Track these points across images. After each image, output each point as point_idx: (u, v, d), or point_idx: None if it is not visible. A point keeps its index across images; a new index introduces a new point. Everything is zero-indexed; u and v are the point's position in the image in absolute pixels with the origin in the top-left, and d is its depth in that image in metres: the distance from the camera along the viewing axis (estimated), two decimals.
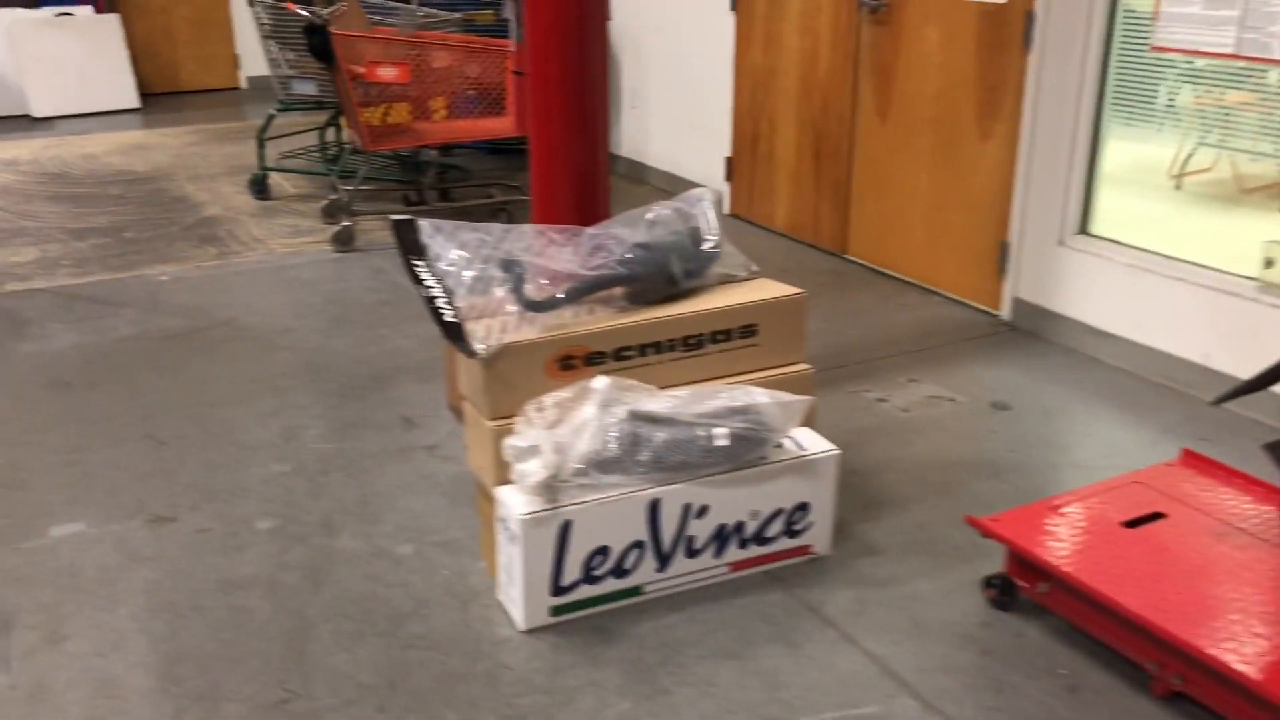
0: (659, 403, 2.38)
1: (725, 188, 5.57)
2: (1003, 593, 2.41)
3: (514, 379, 2.35)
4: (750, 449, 2.41)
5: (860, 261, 4.77)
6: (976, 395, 3.49)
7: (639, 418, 2.34)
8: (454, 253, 2.40)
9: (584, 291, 2.44)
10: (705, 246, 2.64)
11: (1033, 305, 3.98)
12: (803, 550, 2.59)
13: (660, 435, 2.34)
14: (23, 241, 5.12)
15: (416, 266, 2.33)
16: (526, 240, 2.51)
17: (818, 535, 2.59)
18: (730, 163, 5.52)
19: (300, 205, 5.77)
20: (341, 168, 5.35)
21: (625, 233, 2.61)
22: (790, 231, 5.15)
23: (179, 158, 6.86)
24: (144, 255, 4.92)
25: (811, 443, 2.54)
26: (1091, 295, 3.76)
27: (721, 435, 2.37)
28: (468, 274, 2.38)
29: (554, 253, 2.50)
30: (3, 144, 7.27)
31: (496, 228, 2.49)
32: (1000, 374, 3.65)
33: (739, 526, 2.48)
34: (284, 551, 2.64)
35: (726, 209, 5.59)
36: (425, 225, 2.39)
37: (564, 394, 2.35)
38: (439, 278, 2.34)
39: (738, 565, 2.52)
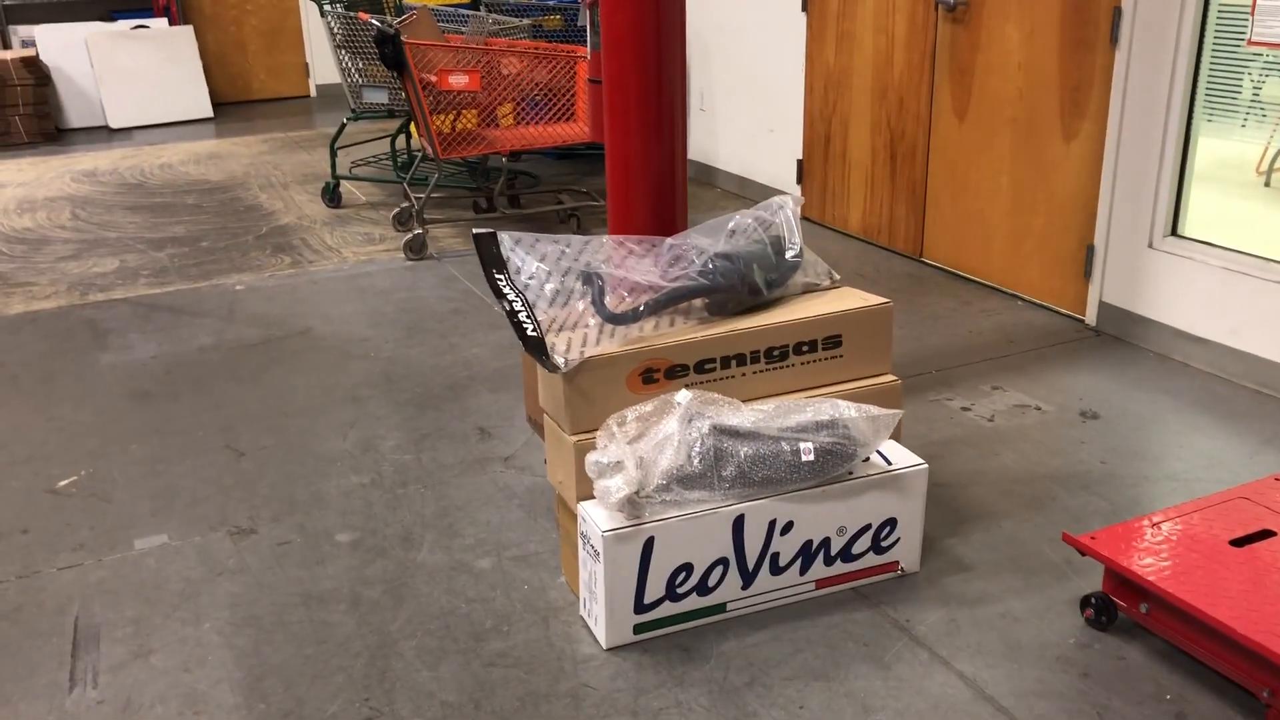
0: (743, 417, 2.33)
1: (796, 190, 5.50)
2: (1101, 613, 2.33)
3: (595, 393, 2.31)
4: (837, 464, 2.35)
5: (937, 265, 4.68)
6: (1064, 404, 3.38)
7: (723, 432, 2.29)
8: (534, 265, 2.37)
9: (664, 303, 2.40)
10: (788, 255, 2.59)
11: (1120, 310, 3.86)
12: (890, 567, 2.52)
13: (744, 450, 2.29)
14: (104, 252, 5.21)
15: (498, 280, 2.31)
16: (606, 252, 2.48)
17: (906, 551, 2.52)
18: (801, 165, 5.44)
19: (372, 213, 5.80)
20: (412, 175, 5.37)
21: (705, 242, 2.56)
22: (864, 234, 5.07)
23: (252, 166, 6.95)
24: (220, 264, 4.98)
25: (899, 456, 2.48)
26: (1183, 299, 3.63)
27: (808, 450, 2.32)
28: (549, 287, 2.35)
29: (633, 264, 2.46)
30: (83, 155, 7.42)
31: (576, 240, 2.46)
32: (1088, 381, 3.54)
33: (825, 543, 2.42)
34: (365, 565, 2.63)
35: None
36: (506, 238, 2.36)
37: (646, 408, 2.31)
38: (520, 291, 2.31)
39: (824, 582, 2.47)
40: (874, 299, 2.57)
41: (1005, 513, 2.79)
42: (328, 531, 2.79)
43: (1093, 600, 2.34)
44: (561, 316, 2.38)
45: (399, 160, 6.09)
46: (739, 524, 2.32)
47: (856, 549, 2.46)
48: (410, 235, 4.99)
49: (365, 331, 4.14)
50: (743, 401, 2.45)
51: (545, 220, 5.54)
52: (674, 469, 2.25)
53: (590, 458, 2.23)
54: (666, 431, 2.28)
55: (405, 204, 5.38)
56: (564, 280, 2.37)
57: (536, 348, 2.24)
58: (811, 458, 2.32)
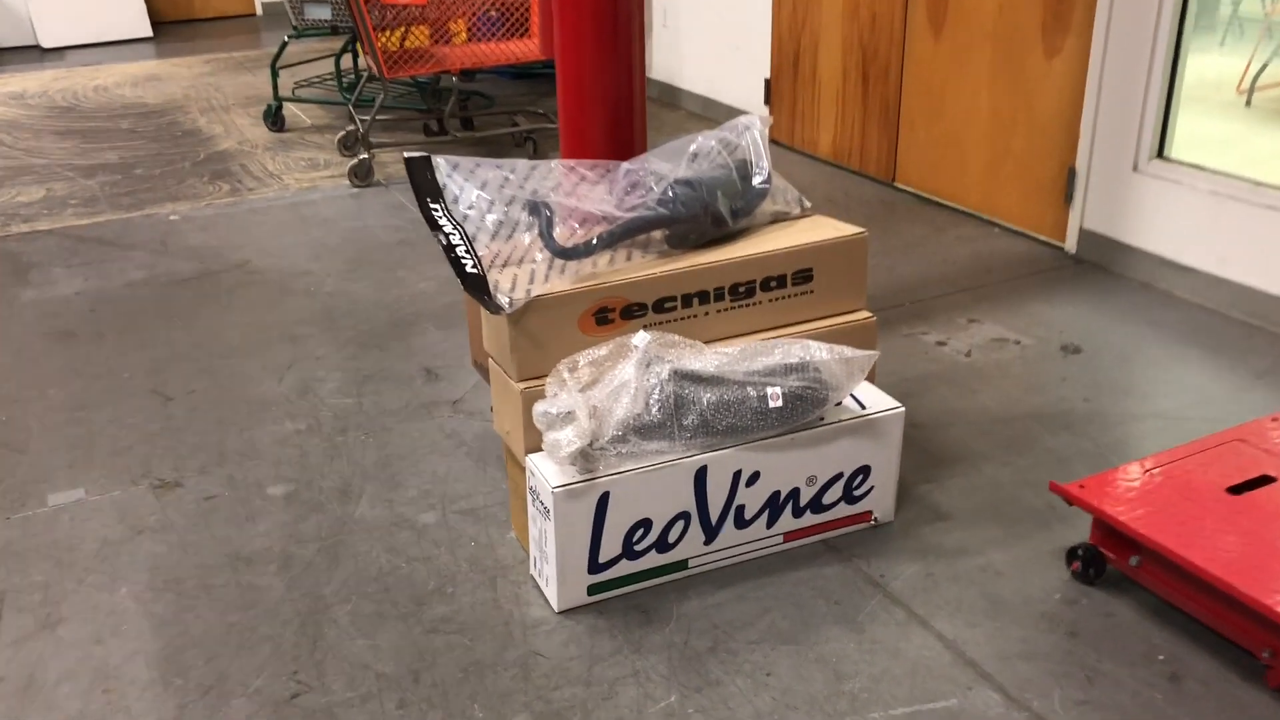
0: (705, 360, 2.13)
1: (764, 111, 5.25)
2: (1088, 566, 2.17)
3: (543, 336, 2.11)
4: (807, 410, 2.16)
5: (911, 190, 4.47)
6: (1044, 337, 3.21)
7: (684, 377, 2.09)
8: (474, 193, 2.14)
9: (620, 236, 2.19)
10: (755, 181, 2.37)
11: (1102, 237, 3.68)
12: (863, 517, 2.35)
13: (707, 396, 2.10)
14: (29, 180, 4.90)
15: (433, 210, 2.08)
16: (555, 178, 2.25)
17: (879, 500, 2.35)
18: (769, 85, 5.19)
19: (317, 137, 5.50)
20: (358, 97, 5.08)
21: (665, 168, 2.34)
22: (834, 158, 4.84)
23: (192, 89, 6.60)
24: (154, 193, 4.69)
25: (872, 399, 2.30)
26: (1169, 226, 3.45)
27: (776, 395, 2.13)
28: (490, 218, 2.13)
29: (586, 191, 2.24)
30: (10, 76, 7.03)
31: (521, 164, 2.23)
32: (1069, 313, 3.37)
33: (794, 494, 2.25)
34: (299, 521, 2.44)
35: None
36: (442, 163, 2.13)
37: (599, 352, 2.11)
38: (458, 222, 2.09)
39: (792, 535, 2.30)
40: (848, 228, 2.36)
41: (984, 455, 2.63)
42: (259, 484, 2.58)
43: (1079, 552, 2.18)
44: (505, 251, 2.16)
45: (344, 81, 5.78)
46: (701, 476, 2.14)
47: (827, 499, 2.29)
48: (355, 161, 4.71)
49: (306, 264, 3.89)
50: (705, 343, 2.25)
51: (500, 144, 5.27)
52: (630, 418, 2.06)
53: (538, 407, 2.03)
54: (622, 378, 2.08)
55: (351, 127, 5.09)
56: (508, 210, 2.15)
57: (477, 286, 2.03)
58: (780, 404, 2.14)
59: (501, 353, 2.16)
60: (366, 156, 4.71)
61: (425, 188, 2.09)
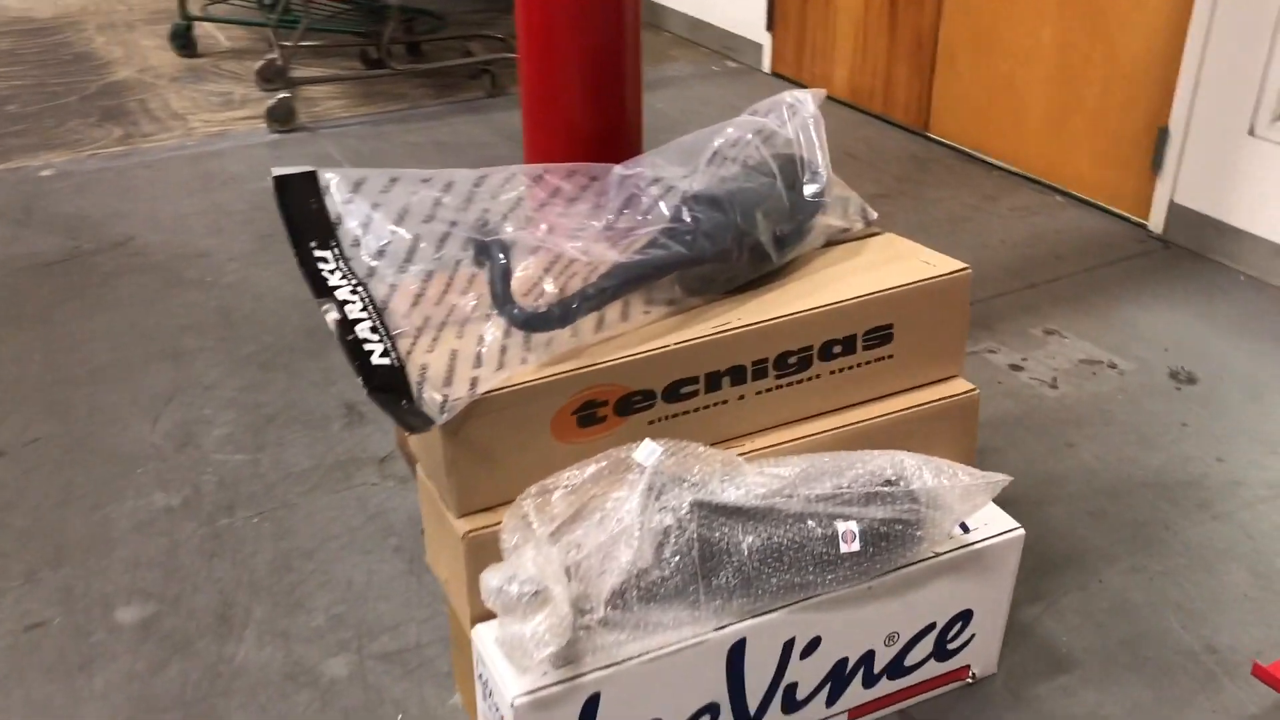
0: (744, 482, 1.41)
1: (766, 39, 4.44)
2: None
3: (498, 448, 1.37)
4: (895, 553, 1.45)
5: (949, 143, 3.71)
6: (1145, 358, 2.51)
7: (713, 512, 1.37)
8: (388, 229, 1.38)
9: (615, 291, 1.44)
10: (808, 191, 1.63)
11: (1199, 215, 2.95)
12: (958, 674, 1.67)
13: (749, 540, 1.38)
14: None
15: (318, 261, 1.32)
16: (514, 194, 1.50)
17: (981, 651, 1.66)
18: (773, 5, 4.37)
19: (234, 65, 4.64)
20: (282, 16, 4.22)
21: (676, 173, 1.59)
22: (853, 100, 4.06)
23: (91, 0, 5.66)
24: (26, 138, 3.84)
25: (979, 516, 1.59)
26: None
27: (850, 536, 1.42)
28: (414, 268, 1.38)
29: (561, 217, 1.49)
30: None
31: (463, 176, 1.47)
32: (1168, 320, 2.66)
33: (866, 658, 1.55)
34: (154, 672, 1.71)
35: (767, 67, 4.47)
36: (335, 181, 1.36)
37: (581, 473, 1.38)
38: (360, 280, 1.33)
39: (860, 710, 1.61)
40: (940, 260, 1.63)
41: (1103, 554, 1.94)
42: (106, 602, 1.85)
43: None
44: (437, 317, 1.41)
45: None
46: (738, 653, 1.43)
47: (911, 659, 1.60)
48: (275, 100, 3.88)
49: (204, 242, 3.10)
50: (742, 446, 1.52)
51: (452, 78, 4.44)
52: (633, 579, 1.34)
53: (490, 580, 1.30)
54: (619, 516, 1.36)
55: (272, 55, 4.23)
56: (440, 254, 1.39)
57: (390, 386, 1.28)
58: (856, 547, 1.42)
59: (434, 470, 1.43)
60: (288, 95, 3.88)
61: (306, 223, 1.33)
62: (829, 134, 1.64)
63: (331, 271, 1.30)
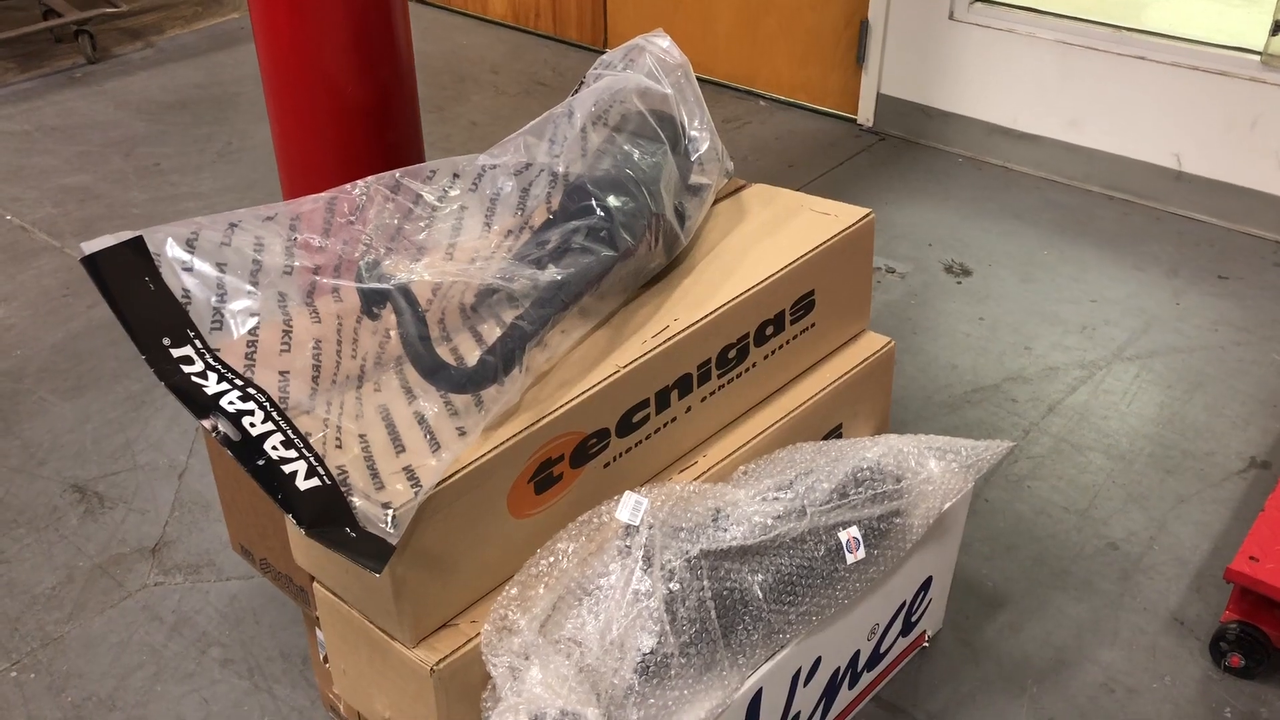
0: (739, 513, 1.19)
1: None
2: (1250, 654, 1.53)
3: (453, 551, 1.06)
4: (894, 550, 1.30)
5: None
6: (916, 257, 2.51)
7: (719, 559, 1.15)
8: (244, 289, 1.00)
9: (553, 318, 1.14)
10: (692, 154, 1.39)
11: (907, 104, 3.00)
12: (917, 643, 1.56)
13: (759, 580, 1.18)
14: None
15: (184, 364, 0.92)
16: (374, 209, 1.14)
17: (933, 613, 1.57)
18: None
19: None
20: None
21: (541, 148, 1.29)
22: (515, 21, 3.77)
23: None
24: None
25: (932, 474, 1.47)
26: (1001, 85, 2.83)
27: (854, 543, 1.24)
28: (293, 334, 1.01)
29: (454, 235, 1.16)
30: None
31: (308, 205, 1.09)
32: (916, 214, 2.68)
33: (853, 660, 1.40)
34: None
35: None
36: (168, 243, 0.95)
37: (557, 557, 1.10)
38: (240, 374, 0.95)
39: (844, 713, 1.46)
40: (841, 209, 1.46)
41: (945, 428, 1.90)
42: None
43: (1230, 636, 1.53)
44: (347, 407, 1.05)
45: None
46: (754, 704, 1.23)
47: (885, 645, 1.47)
48: None
49: None
50: (699, 462, 1.29)
51: (33, 45, 3.66)
52: (648, 666, 1.10)
53: None
54: (615, 596, 1.10)
55: None
56: (310, 304, 1.03)
57: (327, 516, 0.93)
58: (861, 554, 1.25)
59: (362, 594, 1.09)
60: None
61: (148, 313, 0.92)
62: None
63: (203, 374, 0.91)
